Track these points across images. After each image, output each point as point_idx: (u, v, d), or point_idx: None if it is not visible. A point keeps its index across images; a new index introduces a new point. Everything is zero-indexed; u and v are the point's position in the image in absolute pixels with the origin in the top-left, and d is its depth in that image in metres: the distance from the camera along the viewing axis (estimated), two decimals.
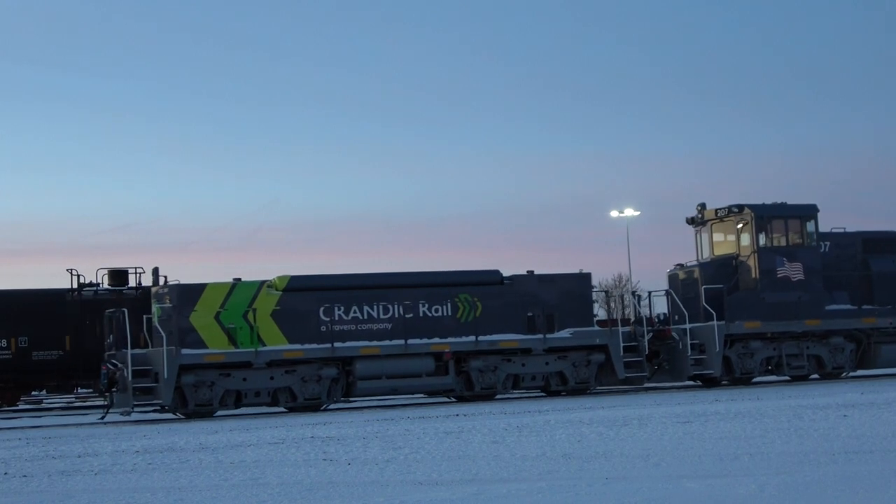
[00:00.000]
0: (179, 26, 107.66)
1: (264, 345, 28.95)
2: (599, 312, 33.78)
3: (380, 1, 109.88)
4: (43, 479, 14.41)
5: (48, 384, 38.38)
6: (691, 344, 31.89)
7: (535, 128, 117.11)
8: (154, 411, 29.52)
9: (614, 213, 71.24)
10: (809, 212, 33.30)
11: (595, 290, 35.00)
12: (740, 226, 33.11)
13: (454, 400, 31.19)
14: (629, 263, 72.80)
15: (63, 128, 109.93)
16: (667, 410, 22.39)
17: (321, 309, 29.57)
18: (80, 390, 42.08)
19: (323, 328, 29.49)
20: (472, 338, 30.46)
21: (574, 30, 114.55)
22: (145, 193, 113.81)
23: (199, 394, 28.40)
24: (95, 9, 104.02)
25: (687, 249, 34.67)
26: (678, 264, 34.20)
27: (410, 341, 30.01)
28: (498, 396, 31.23)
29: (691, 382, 33.57)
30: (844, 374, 33.86)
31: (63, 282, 37.02)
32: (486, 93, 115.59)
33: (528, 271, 31.78)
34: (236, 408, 29.18)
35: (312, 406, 29.32)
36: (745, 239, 33.10)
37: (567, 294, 31.73)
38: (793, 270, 32.71)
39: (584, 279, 32.69)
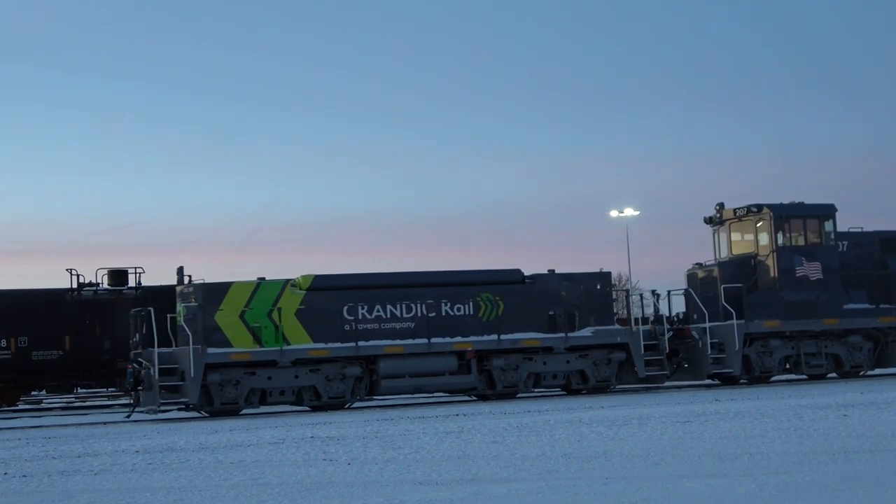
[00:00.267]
0: (179, 26, 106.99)
1: (289, 343, 29.22)
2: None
3: (380, 1, 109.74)
4: (43, 479, 14.42)
5: (48, 384, 38.13)
6: (711, 343, 32.18)
7: (535, 128, 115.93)
8: (179, 409, 29.78)
9: (614, 213, 71.20)
10: (828, 211, 33.47)
11: (615, 289, 35.30)
12: (759, 225, 33.37)
13: (475, 398, 31.53)
14: (629, 263, 72.79)
15: (63, 128, 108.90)
16: (666, 410, 22.40)
17: (345, 308, 29.83)
18: (79, 390, 41.99)
19: (347, 327, 29.76)
20: (495, 336, 30.73)
21: (574, 30, 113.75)
22: (145, 193, 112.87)
23: (225, 392, 28.72)
24: (95, 9, 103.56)
25: (687, 249, 35.03)
26: (697, 263, 34.38)
27: (433, 340, 30.28)
28: (519, 395, 31.53)
29: (703, 381, 33.77)
30: (862, 372, 34.00)
31: (63, 282, 37.09)
32: (486, 93, 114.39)
33: (549, 270, 32.07)
34: (261, 406, 29.50)
35: (337, 405, 29.63)
36: (764, 238, 33.27)
37: (588, 293, 32.00)
38: (811, 270, 32.89)
39: (604, 278, 33.24)
